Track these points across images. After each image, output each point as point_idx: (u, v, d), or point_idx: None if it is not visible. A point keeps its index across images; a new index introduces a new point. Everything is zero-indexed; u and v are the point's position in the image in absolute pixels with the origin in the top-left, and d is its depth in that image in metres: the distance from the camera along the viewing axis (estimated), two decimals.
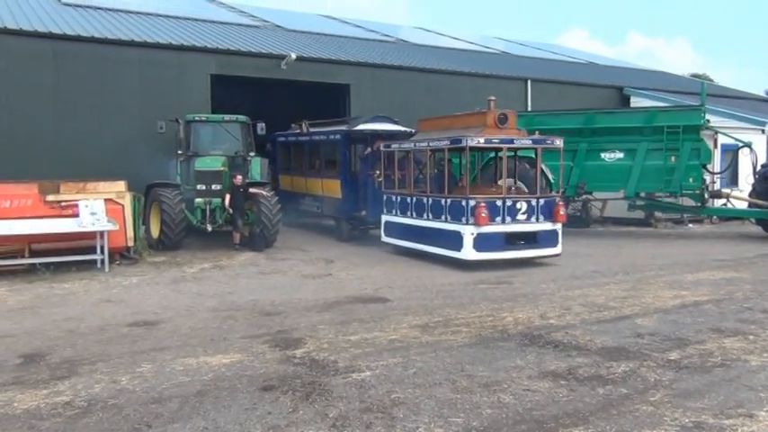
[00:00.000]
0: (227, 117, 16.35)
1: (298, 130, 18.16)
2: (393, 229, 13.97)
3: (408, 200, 13.39)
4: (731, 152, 18.84)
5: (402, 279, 10.89)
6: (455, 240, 11.85)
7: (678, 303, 8.66)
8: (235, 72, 20.00)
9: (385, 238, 14.20)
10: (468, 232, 11.59)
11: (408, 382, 5.52)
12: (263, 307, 8.75)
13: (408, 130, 15.76)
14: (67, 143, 17.26)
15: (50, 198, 12.04)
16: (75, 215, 11.88)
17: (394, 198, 13.97)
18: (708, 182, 17.42)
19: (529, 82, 25.63)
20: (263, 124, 16.33)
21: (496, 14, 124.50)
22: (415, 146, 13.37)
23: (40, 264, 11.44)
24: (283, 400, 5.11)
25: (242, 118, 16.42)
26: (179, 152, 16.08)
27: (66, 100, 17.46)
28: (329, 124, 17.06)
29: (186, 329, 7.52)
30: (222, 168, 15.17)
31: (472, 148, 12.42)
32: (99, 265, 11.98)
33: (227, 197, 14.65)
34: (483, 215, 11.49)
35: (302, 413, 4.84)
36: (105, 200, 12.22)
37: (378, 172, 14.83)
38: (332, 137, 16.36)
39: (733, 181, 19.36)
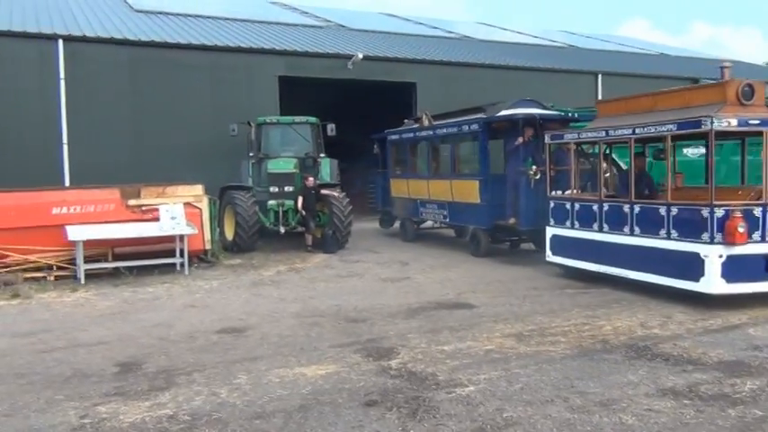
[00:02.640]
0: (297, 119, 16.40)
1: (415, 125, 16.19)
2: (566, 247, 10.66)
3: (594, 208, 10.07)
4: None
5: (483, 283, 10.59)
6: (688, 265, 8.48)
7: None
8: (302, 73, 20.11)
9: (553, 258, 10.99)
10: (715, 254, 8.20)
11: (517, 398, 5.23)
12: (347, 313, 8.61)
13: (567, 113, 13.53)
14: (142, 148, 17.68)
15: (132, 202, 12.25)
16: (156, 219, 12.05)
17: (568, 205, 10.64)
18: None
19: (600, 76, 24.88)
20: (333, 125, 16.29)
21: (554, 7, 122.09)
22: (607, 134, 9.85)
23: (123, 267, 11.62)
24: (390, 417, 4.91)
25: (312, 119, 16.44)
26: (250, 154, 16.24)
27: (141, 105, 17.88)
28: (456, 114, 14.82)
29: (274, 337, 7.42)
30: (294, 170, 15.21)
31: (715, 134, 8.37)
32: (179, 268, 12.12)
33: (300, 199, 14.65)
34: (740, 230, 8.13)
35: None
36: (184, 203, 12.35)
37: (535, 168, 11.78)
38: (466, 128, 13.74)
39: None
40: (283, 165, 15.21)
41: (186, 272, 11.91)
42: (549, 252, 11.11)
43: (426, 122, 15.25)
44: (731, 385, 5.46)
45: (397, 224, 17.79)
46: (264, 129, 16.19)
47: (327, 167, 16.62)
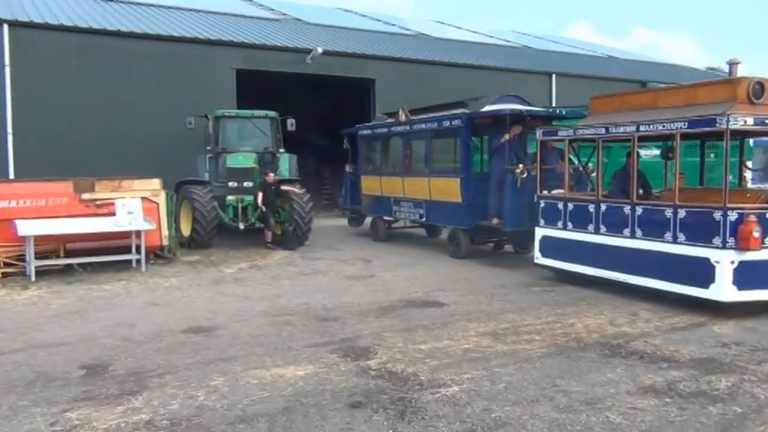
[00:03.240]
0: (256, 113, 16.07)
1: (389, 120, 15.40)
2: (558, 249, 10.18)
3: (590, 208, 9.58)
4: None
5: (449, 281, 10.58)
6: (697, 271, 8.09)
7: (750, 311, 8.29)
8: (260, 66, 19.76)
9: (542, 260, 10.48)
10: (727, 260, 7.79)
11: (502, 398, 5.21)
12: (317, 311, 8.46)
13: (556, 110, 13.04)
14: (93, 140, 17.06)
15: (86, 196, 11.76)
16: (112, 214, 11.61)
17: (560, 205, 10.16)
18: None
19: (554, 76, 25.28)
20: (293, 120, 16.02)
21: (500, 7, 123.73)
22: (607, 131, 9.32)
23: (77, 264, 11.15)
24: (377, 419, 4.81)
25: (271, 113, 16.15)
26: (208, 148, 15.83)
27: (92, 96, 17.24)
28: (435, 109, 14.15)
29: (245, 337, 7.22)
30: (254, 165, 14.90)
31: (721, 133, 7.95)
32: (134, 264, 11.71)
33: (260, 194, 14.36)
34: (755, 235, 7.71)
35: None
36: (141, 198, 11.94)
37: (521, 167, 11.32)
38: (447, 123, 13.07)
39: None
40: (243, 159, 14.88)
41: (143, 269, 11.51)
42: (537, 254, 10.59)
43: (403, 117, 14.62)
44: (707, 382, 5.57)
45: (367, 223, 17.10)
46: (222, 122, 15.80)
47: (286, 163, 16.35)
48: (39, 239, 10.84)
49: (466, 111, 12.77)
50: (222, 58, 19.09)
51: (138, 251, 11.66)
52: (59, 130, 16.59)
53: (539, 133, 10.62)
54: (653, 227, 8.70)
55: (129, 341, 7.11)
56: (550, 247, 10.35)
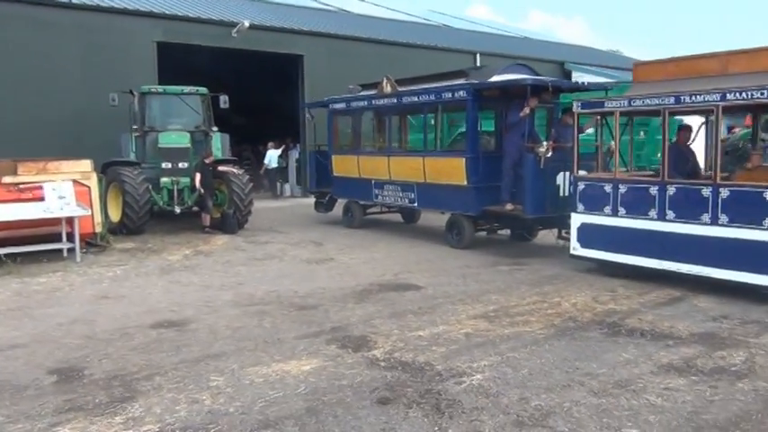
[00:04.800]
0: (186, 89, 15.05)
1: (372, 92, 13.42)
2: (605, 238, 8.84)
3: (652, 191, 8.27)
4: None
5: (412, 263, 10.30)
6: None
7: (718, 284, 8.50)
8: (182, 40, 18.67)
9: (582, 251, 9.17)
10: None
11: (532, 385, 4.99)
12: (291, 299, 7.96)
13: (576, 81, 11.55)
14: (2, 118, 15.46)
15: (7, 180, 10.60)
16: (38, 199, 10.52)
17: (607, 187, 8.77)
18: None
19: (478, 55, 25.42)
20: (227, 97, 15.19)
21: None
22: (678, 101, 7.99)
23: (3, 255, 10.03)
24: (415, 416, 4.46)
25: (202, 90, 15.20)
26: (134, 127, 14.71)
27: None
28: (428, 80, 12.44)
29: (224, 330, 6.64)
30: (189, 145, 14.01)
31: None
32: (66, 254, 10.72)
33: (198, 176, 13.50)
34: None
35: None
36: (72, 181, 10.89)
37: (546, 144, 10.00)
38: (449, 95, 11.38)
39: None
40: (176, 139, 13.93)
41: (77, 258, 10.52)
42: (575, 244, 9.25)
43: (388, 89, 12.79)
44: (721, 358, 5.58)
45: (336, 209, 15.44)
46: (149, 99, 14.70)
47: (219, 142, 15.49)
48: None
49: (473, 81, 11.14)
50: (141, 30, 17.80)
51: (71, 239, 10.67)
52: None
53: (576, 105, 9.21)
54: (744, 212, 7.45)
55: (94, 339, 6.37)
56: (593, 236, 9.00)
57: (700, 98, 7.86)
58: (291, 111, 22.82)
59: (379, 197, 13.39)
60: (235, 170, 14.24)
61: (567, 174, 9.99)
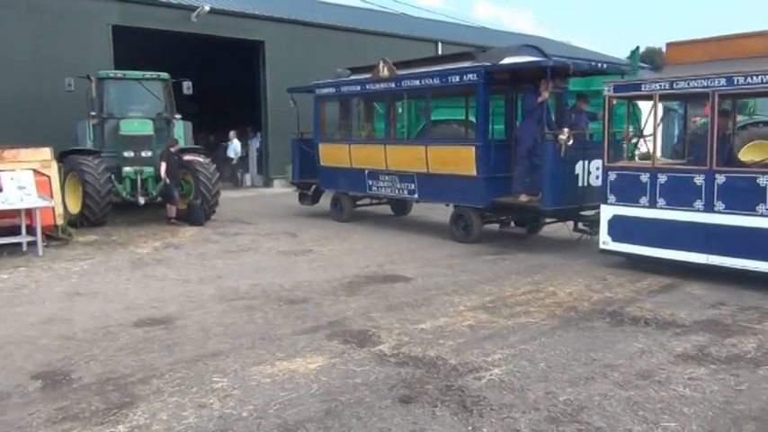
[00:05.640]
0: (147, 74, 14.39)
1: (365, 76, 12.55)
2: (642, 231, 8.24)
3: (698, 180, 7.66)
4: None
5: (395, 253, 10.08)
6: None
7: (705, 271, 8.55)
8: (139, 23, 17.85)
9: (612, 245, 8.60)
10: None
11: (554, 378, 4.82)
12: (278, 293, 7.62)
13: (597, 65, 10.50)
14: None
15: None
16: None
17: (644, 176, 8.16)
18: None
19: (440, 44, 25.27)
20: (190, 83, 14.60)
21: None
22: (730, 83, 7.40)
23: None
24: (443, 414, 4.23)
25: (164, 75, 14.59)
26: (92, 114, 13.98)
27: None
28: (429, 63, 11.74)
29: (215, 327, 6.28)
30: (152, 133, 13.42)
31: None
32: (25, 248, 10.11)
33: (163, 165, 12.93)
34: None
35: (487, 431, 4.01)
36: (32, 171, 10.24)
37: (567, 131, 9.28)
38: (456, 79, 10.59)
39: None
40: (139, 126, 13.32)
41: (39, 252, 9.90)
42: (605, 237, 8.66)
43: (386, 72, 11.89)
44: (733, 345, 5.54)
45: (323, 200, 14.62)
46: (107, 84, 14.00)
47: (182, 130, 14.89)
48: None
49: (485, 63, 10.27)
50: (96, 12, 16.98)
51: (31, 232, 10.04)
52: None
53: (607, 88, 8.59)
54: None
55: (74, 340, 5.93)
56: (627, 229, 8.41)
57: (757, 79, 7.19)
58: (252, 98, 22.24)
59: (374, 188, 12.55)
60: (201, 159, 13.72)
61: (587, 162, 9.57)
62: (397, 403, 4.42)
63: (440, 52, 24.97)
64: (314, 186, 14.48)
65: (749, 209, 7.31)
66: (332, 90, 13.51)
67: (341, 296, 7.43)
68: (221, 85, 24.15)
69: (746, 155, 12.87)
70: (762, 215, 7.21)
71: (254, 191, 21.07)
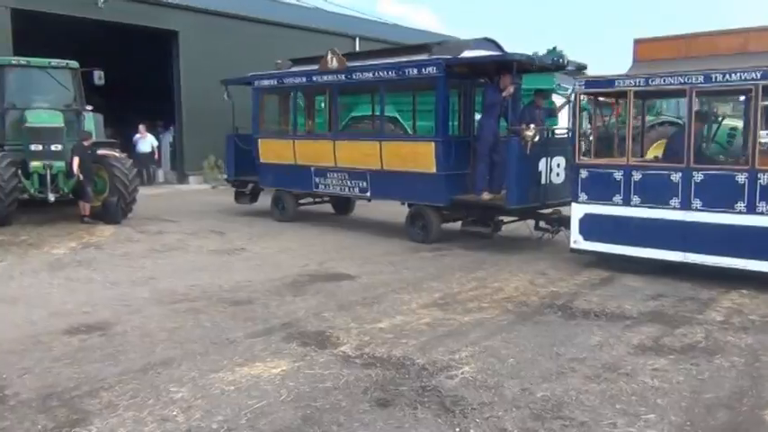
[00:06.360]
0: (54, 62, 13.39)
1: (310, 67, 11.94)
2: (615, 230, 8.06)
3: (674, 177, 7.59)
4: None
5: (331, 251, 9.87)
6: None
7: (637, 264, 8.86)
8: (40, 7, 16.65)
9: (584, 244, 8.38)
10: None
11: (526, 375, 4.79)
12: (218, 294, 7.26)
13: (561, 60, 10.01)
14: None
15: None
16: None
17: (617, 174, 8.01)
18: None
19: (357, 39, 25.18)
20: (101, 73, 13.72)
21: None
22: (708, 80, 7.38)
23: None
24: (425, 417, 4.10)
25: (73, 63, 13.61)
26: None
27: None
28: (381, 55, 11.24)
29: (159, 332, 5.87)
30: (62, 125, 12.50)
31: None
32: None
33: (75, 160, 12.08)
34: None
35: None
36: None
37: (533, 128, 9.14)
38: (414, 72, 10.14)
39: None
40: (47, 118, 12.37)
41: None
42: (576, 236, 8.44)
43: (335, 64, 11.31)
44: (683, 336, 5.72)
45: (260, 199, 13.98)
46: (9, 72, 12.93)
47: (92, 123, 13.99)
48: None
49: (446, 56, 9.91)
50: None
51: None
52: None
53: (577, 84, 8.49)
54: None
55: (1, 352, 5.36)
56: (599, 227, 8.23)
57: (735, 76, 7.17)
58: (162, 91, 21.28)
59: (321, 186, 11.90)
60: (117, 154, 12.94)
61: (549, 159, 9.46)
62: (375, 407, 4.25)
63: (357, 47, 24.93)
64: (251, 184, 13.86)
65: (729, 207, 7.30)
66: (273, 82, 12.75)
67: (287, 296, 7.16)
68: (130, 76, 22.96)
69: (654, 153, 13.47)
70: (740, 212, 7.23)
71: (168, 187, 20.19)
